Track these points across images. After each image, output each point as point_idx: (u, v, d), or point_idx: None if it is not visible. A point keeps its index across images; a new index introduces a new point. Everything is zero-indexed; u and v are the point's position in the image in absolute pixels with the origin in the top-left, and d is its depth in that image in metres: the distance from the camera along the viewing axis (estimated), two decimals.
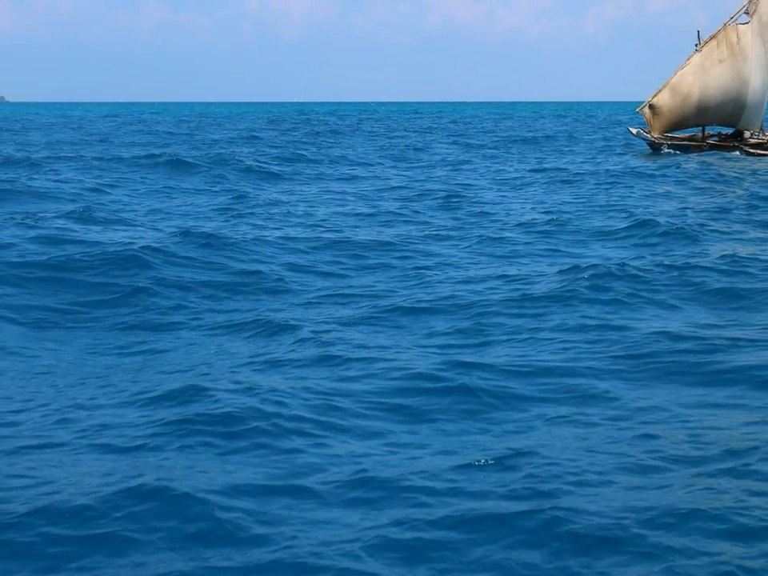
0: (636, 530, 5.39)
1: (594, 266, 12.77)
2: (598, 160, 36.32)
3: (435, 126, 78.31)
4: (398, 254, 14.76)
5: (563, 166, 32.66)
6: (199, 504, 5.63)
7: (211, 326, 10.33)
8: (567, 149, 44.42)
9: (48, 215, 17.70)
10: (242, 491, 5.87)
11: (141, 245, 13.88)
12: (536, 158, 37.65)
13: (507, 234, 16.88)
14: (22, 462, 6.37)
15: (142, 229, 16.76)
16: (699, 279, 12.28)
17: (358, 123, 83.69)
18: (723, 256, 13.77)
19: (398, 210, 20.29)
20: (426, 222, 18.64)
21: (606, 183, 26.63)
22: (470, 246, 15.66)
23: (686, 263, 13.18)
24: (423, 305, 11.02)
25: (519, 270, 13.42)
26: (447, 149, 44.33)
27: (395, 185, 26.23)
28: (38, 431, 6.99)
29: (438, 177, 28.96)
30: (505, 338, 9.73)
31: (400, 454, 6.59)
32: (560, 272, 12.73)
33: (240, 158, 31.92)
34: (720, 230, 17.07)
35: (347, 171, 30.94)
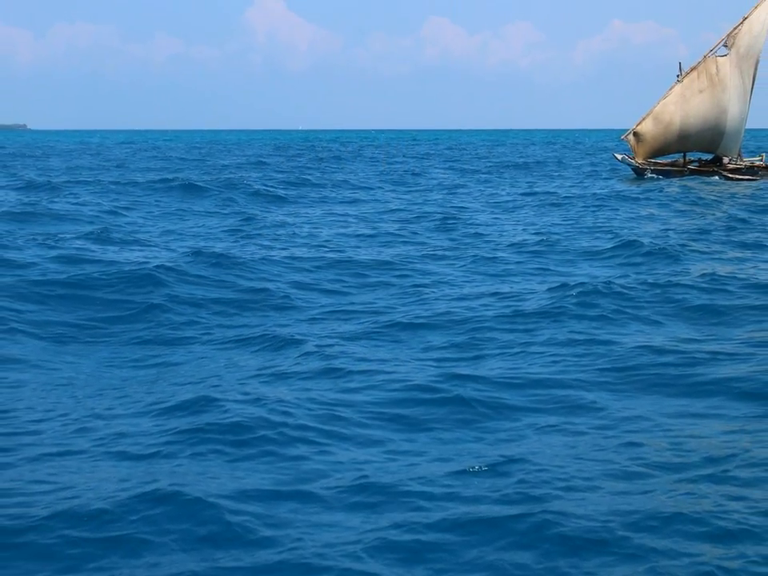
0: (621, 532, 5.40)
1: (582, 284, 12.77)
2: (586, 184, 36.36)
3: (432, 152, 78.39)
4: (397, 273, 14.76)
5: (552, 190, 32.68)
6: (210, 508, 5.63)
7: (221, 341, 10.34)
8: (556, 174, 44.46)
9: (68, 236, 17.72)
10: (251, 496, 5.88)
11: (155, 264, 13.89)
12: (527, 183, 37.69)
13: (500, 254, 16.89)
14: (44, 469, 6.38)
15: (156, 249, 16.78)
16: (680, 296, 12.28)
17: (359, 150, 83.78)
18: (703, 274, 13.77)
19: (397, 232, 20.30)
20: (424, 243, 18.65)
21: (593, 206, 26.65)
22: (464, 265, 15.67)
23: (668, 281, 13.18)
24: (421, 320, 11.03)
25: (511, 287, 13.42)
26: (443, 174, 44.37)
27: (394, 207, 26.24)
28: (59, 439, 7.00)
29: (435, 200, 28.97)
30: (498, 351, 9.74)
31: (399, 461, 6.60)
32: (549, 290, 12.73)
33: (248, 183, 31.96)
34: (700, 250, 17.08)
35: (349, 195, 30.97)
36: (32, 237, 17.48)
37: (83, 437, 7.05)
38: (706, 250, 17.19)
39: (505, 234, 20.12)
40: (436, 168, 49.85)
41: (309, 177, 38.22)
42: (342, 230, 20.52)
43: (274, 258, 15.64)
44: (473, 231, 20.51)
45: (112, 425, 7.32)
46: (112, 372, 9.11)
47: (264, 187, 31.20)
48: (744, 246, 17.91)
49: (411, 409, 7.77)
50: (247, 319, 11.48)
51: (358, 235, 19.68)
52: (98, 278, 12.94)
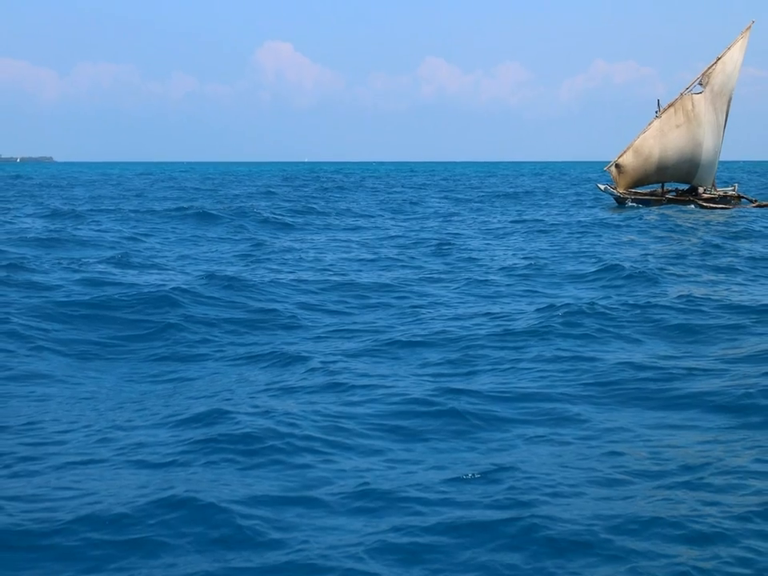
0: (604, 535, 5.41)
1: (567, 304, 12.79)
2: (571, 212, 36.44)
3: (428, 182, 78.53)
4: (396, 295, 14.79)
5: (540, 218, 32.75)
6: (222, 512, 5.65)
7: (233, 357, 10.36)
8: (544, 203, 44.56)
9: (91, 260, 17.77)
10: (260, 501, 5.89)
11: (171, 286, 13.93)
12: (516, 211, 37.78)
13: (491, 277, 16.91)
14: (68, 476, 6.40)
15: (173, 272, 16.82)
16: (659, 316, 12.31)
17: (361, 180, 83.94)
18: (680, 296, 13.80)
19: (396, 256, 20.34)
20: (421, 267, 18.69)
21: (578, 233, 26.69)
22: (458, 288, 15.69)
23: (648, 302, 13.20)
24: (418, 339, 11.05)
25: (502, 308, 13.45)
26: (439, 203, 44.47)
27: (393, 234, 26.29)
28: (82, 449, 7.02)
29: (431, 227, 29.03)
30: (489, 367, 9.75)
31: (398, 469, 6.61)
32: (537, 310, 12.75)
33: (258, 211, 32.03)
34: (677, 273, 17.11)
35: (352, 222, 31.02)
36: (57, 261, 17.53)
37: (105, 446, 7.07)
38: (683, 273, 17.22)
39: (496, 258, 20.15)
40: (432, 197, 49.96)
41: (314, 205, 38.30)
42: (345, 255, 20.57)
43: (282, 280, 15.67)
44: (466, 256, 20.55)
45: (131, 435, 7.34)
46: (132, 386, 9.13)
47: (272, 215, 31.27)
48: (718, 269, 17.95)
49: (409, 420, 7.79)
50: (257, 337, 11.50)
51: (360, 260, 19.72)
52: (118, 300, 12.98)
